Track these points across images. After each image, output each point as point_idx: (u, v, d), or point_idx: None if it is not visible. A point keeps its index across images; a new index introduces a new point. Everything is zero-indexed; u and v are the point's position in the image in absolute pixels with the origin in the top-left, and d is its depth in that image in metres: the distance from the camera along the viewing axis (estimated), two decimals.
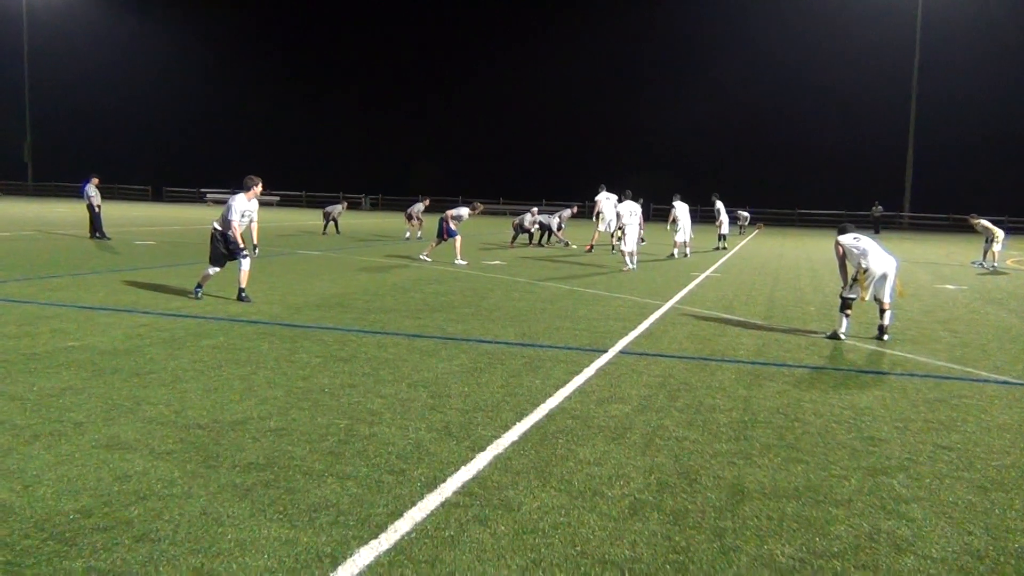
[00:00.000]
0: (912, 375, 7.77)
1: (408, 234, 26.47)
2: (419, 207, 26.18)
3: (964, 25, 55.88)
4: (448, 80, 76.98)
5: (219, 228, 11.23)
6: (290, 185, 61.96)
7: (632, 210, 18.65)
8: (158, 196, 68.11)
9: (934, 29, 54.88)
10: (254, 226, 11.61)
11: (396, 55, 78.59)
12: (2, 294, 11.10)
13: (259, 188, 11.36)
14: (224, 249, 11.21)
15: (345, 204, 29.66)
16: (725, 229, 27.50)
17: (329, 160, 72.83)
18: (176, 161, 72.92)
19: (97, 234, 22.25)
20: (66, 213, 36.64)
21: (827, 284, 16.12)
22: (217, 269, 11.34)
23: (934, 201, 53.20)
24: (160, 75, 75.20)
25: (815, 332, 9.99)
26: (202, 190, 66.24)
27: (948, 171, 55.71)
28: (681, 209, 22.91)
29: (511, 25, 76.71)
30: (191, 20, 76.52)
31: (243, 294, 11.08)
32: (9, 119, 72.79)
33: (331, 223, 27.62)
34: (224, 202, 12.12)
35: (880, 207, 47.44)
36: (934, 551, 3.85)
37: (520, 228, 24.84)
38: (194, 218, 38.39)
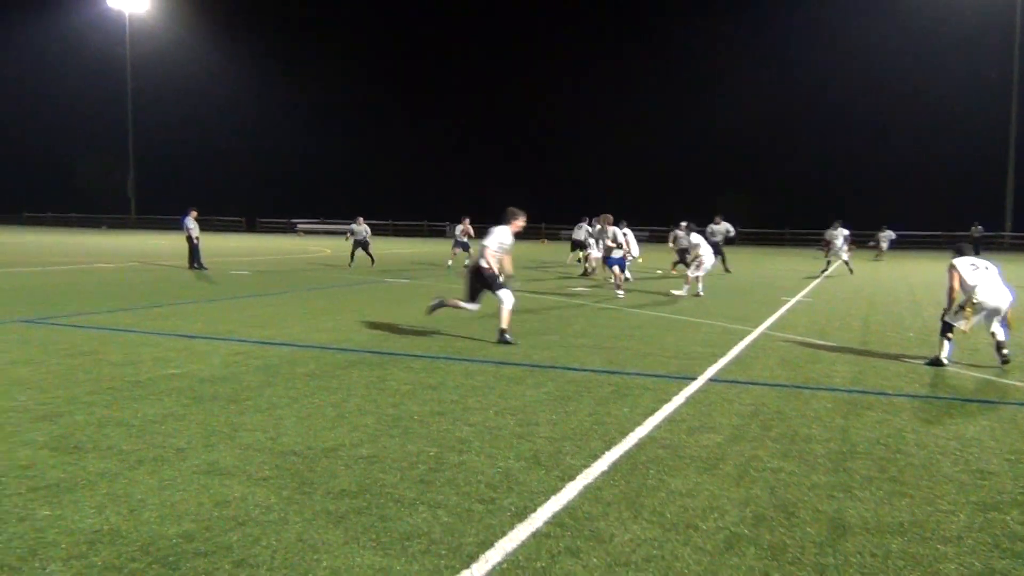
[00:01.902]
0: (1023, 404, 7.39)
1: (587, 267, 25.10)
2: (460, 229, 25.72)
3: None
4: (527, 101, 77.52)
5: (480, 264, 10.54)
6: (375, 214, 63.42)
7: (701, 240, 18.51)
8: (252, 227, 70.54)
9: None
10: (507, 258, 10.82)
11: (473, 83, 79.80)
12: (107, 323, 11.62)
13: (522, 221, 10.79)
14: (480, 283, 10.54)
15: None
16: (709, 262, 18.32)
17: (415, 189, 74.14)
18: (268, 193, 75.55)
19: (195, 264, 23.12)
20: (166, 245, 38.30)
21: (926, 308, 15.51)
22: (476, 306, 10.70)
23: None
24: (252, 112, 78.15)
25: (915, 358, 9.60)
26: (292, 220, 68.35)
27: None
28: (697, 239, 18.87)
29: (594, 41, 77.05)
30: (280, 58, 79.55)
31: (505, 335, 10.15)
32: (114, 156, 76.88)
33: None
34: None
35: (980, 227, 45.57)
36: None
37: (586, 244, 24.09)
38: (286, 248, 39.59)
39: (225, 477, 4.97)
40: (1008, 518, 4.52)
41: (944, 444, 5.99)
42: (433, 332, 11.16)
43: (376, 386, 7.62)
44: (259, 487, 4.80)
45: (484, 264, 10.46)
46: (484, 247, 10.49)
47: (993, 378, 8.60)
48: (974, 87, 56.00)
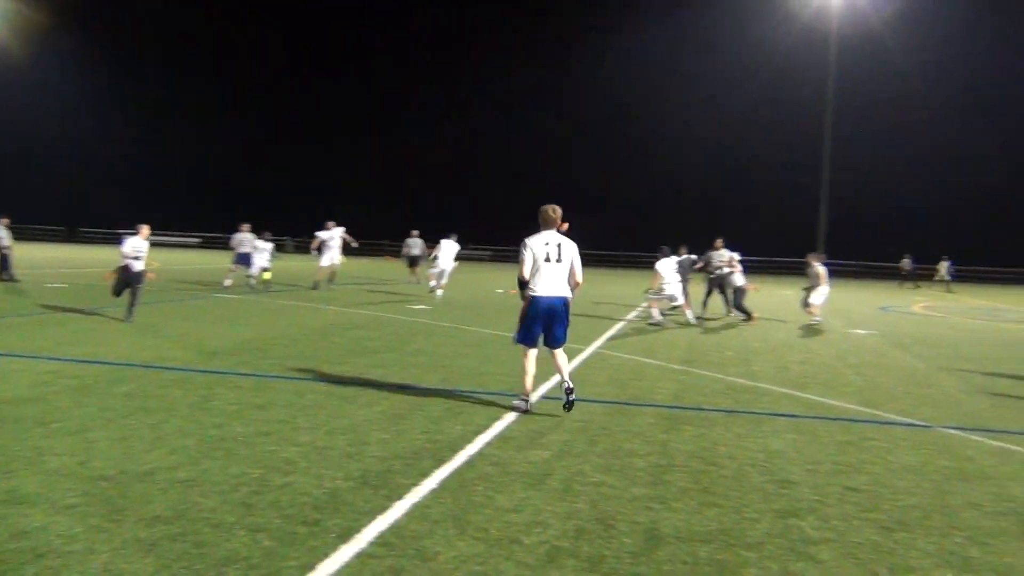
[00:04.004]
0: (823, 418, 8.00)
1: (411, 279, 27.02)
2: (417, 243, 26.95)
3: (874, 78, 58.76)
4: (372, 121, 77.26)
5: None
6: (210, 226, 60.92)
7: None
8: (72, 236, 65.99)
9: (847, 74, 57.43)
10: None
11: (316, 95, 78.67)
12: None
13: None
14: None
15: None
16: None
17: (247, 199, 71.92)
18: (90, 201, 70.93)
19: (5, 276, 21.40)
20: None
21: (745, 330, 16.54)
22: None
23: (846, 248, 55.31)
24: (70, 114, 73.37)
25: (733, 376, 10.21)
26: (120, 232, 64.55)
27: (861, 218, 58.13)
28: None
29: (440, 61, 77.69)
30: (102, 58, 75.19)
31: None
32: None
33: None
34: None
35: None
36: None
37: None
38: (110, 260, 37.28)
39: (25, 506, 4.62)
40: (805, 524, 4.89)
41: (753, 456, 6.40)
42: (263, 350, 10.83)
43: (199, 406, 7.30)
44: (63, 515, 4.49)
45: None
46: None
47: (799, 394, 9.26)
48: (792, 119, 60.57)
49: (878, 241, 55.83)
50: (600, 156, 70.04)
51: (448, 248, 22.03)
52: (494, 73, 73.59)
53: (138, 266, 13.54)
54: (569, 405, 7.51)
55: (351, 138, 77.24)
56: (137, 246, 13.71)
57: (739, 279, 18.40)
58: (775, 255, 51.49)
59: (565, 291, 7.69)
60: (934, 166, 60.19)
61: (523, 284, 7.71)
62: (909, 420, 8.04)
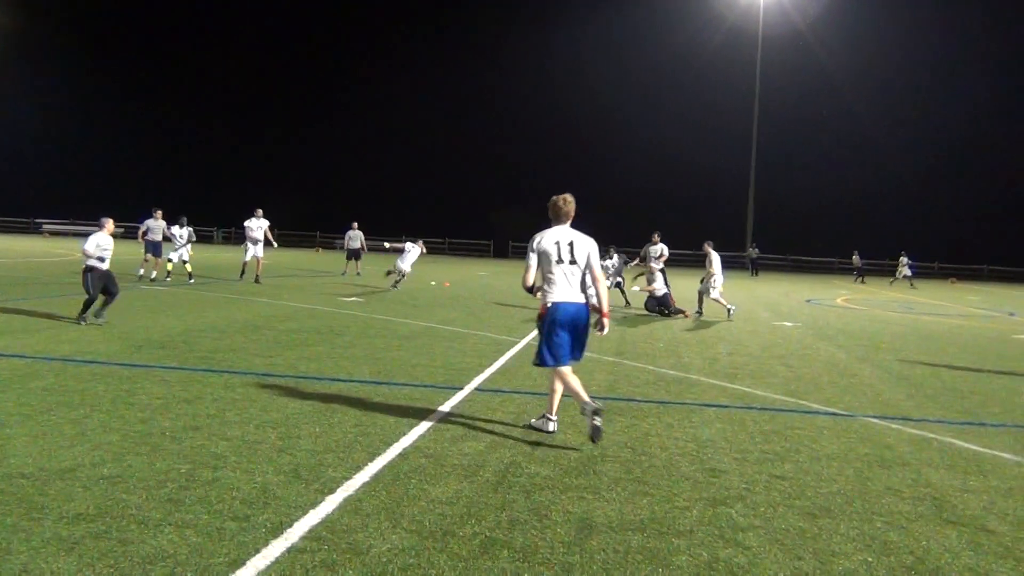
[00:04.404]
0: (751, 408, 8.19)
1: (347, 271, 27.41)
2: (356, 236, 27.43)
3: (798, 83, 60.24)
4: (307, 111, 76.11)
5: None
6: (132, 216, 59.17)
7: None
8: None
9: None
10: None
11: (244, 81, 77.13)
12: None
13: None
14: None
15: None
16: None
17: (175, 189, 70.21)
18: (8, 188, 68.20)
19: None
20: None
21: (675, 322, 16.82)
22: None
23: (774, 243, 56.73)
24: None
25: (663, 368, 10.37)
26: (37, 220, 62.18)
27: (787, 215, 59.63)
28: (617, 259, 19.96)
29: (371, 54, 76.90)
30: (25, 43, 72.36)
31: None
32: None
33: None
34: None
35: (756, 249, 50.03)
36: None
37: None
38: (28, 250, 35.93)
39: None
40: (733, 511, 5.00)
41: (683, 446, 6.51)
42: (191, 343, 10.58)
43: (124, 400, 7.10)
44: None
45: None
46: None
47: (728, 385, 9.46)
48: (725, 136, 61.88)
49: (804, 236, 57.45)
50: (535, 149, 70.26)
51: (413, 252, 22.49)
52: (428, 65, 73.30)
53: (105, 267, 12.17)
54: (596, 432, 6.14)
55: (286, 128, 76.00)
56: (102, 243, 12.21)
57: (659, 284, 18.56)
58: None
59: (583, 296, 6.53)
60: (856, 162, 62.20)
61: (532, 291, 6.64)
62: (832, 409, 8.29)
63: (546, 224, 6.61)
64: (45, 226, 60.78)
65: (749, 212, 59.77)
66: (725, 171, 61.37)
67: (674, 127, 62.35)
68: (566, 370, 6.50)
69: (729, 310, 17.80)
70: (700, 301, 18.29)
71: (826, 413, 8.12)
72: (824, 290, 34.53)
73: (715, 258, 18.11)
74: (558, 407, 6.78)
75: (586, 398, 6.26)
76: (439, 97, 72.86)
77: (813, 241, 57.39)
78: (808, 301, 26.10)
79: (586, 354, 6.84)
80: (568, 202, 6.62)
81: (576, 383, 6.45)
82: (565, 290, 6.43)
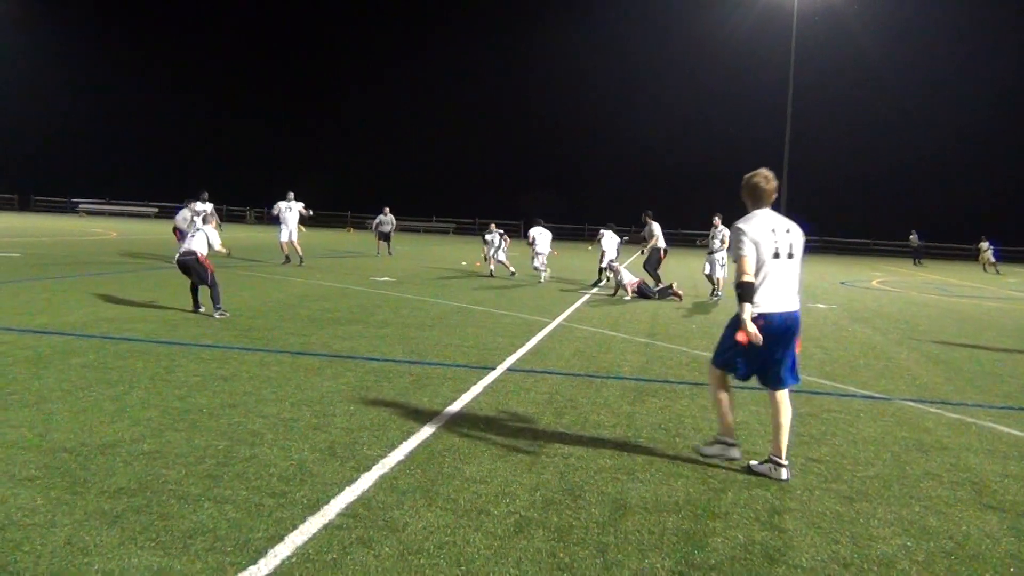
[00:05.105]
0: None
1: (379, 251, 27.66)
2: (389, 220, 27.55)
3: (835, 61, 59.26)
4: (337, 93, 76.31)
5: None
6: (170, 196, 59.90)
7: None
8: (26, 205, 64.48)
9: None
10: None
11: (279, 65, 77.46)
12: None
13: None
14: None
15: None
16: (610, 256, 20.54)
17: (213, 170, 70.90)
18: (46, 168, 69.25)
19: None
20: None
21: (709, 303, 16.70)
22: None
23: (808, 223, 56.00)
24: (29, 82, 71.37)
25: (697, 350, 10.31)
26: (74, 200, 63.12)
27: (820, 195, 58.90)
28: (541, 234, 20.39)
29: (403, 38, 76.84)
30: (63, 24, 73.20)
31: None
32: None
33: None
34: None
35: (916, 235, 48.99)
36: (804, 560, 4.01)
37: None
38: (66, 229, 36.52)
39: None
40: (768, 494, 4.96)
41: (717, 427, 6.45)
42: (227, 321, 10.69)
43: (162, 377, 7.20)
44: (23, 488, 4.41)
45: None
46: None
47: None
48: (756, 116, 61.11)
49: (840, 216, 56.67)
50: (566, 131, 69.90)
51: (543, 236, 20.67)
52: (461, 45, 73.03)
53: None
54: (711, 457, 5.49)
55: (320, 109, 76.29)
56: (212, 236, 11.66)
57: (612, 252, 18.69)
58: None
59: (798, 301, 5.30)
60: (894, 140, 61.09)
61: (745, 291, 5.07)
62: (869, 393, 8.19)
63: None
64: (81, 206, 61.69)
65: (783, 191, 59.08)
66: (758, 150, 60.67)
67: (709, 104, 61.80)
68: (730, 391, 5.58)
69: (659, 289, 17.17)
70: (715, 284, 17.79)
71: (863, 396, 8.03)
72: (859, 271, 34.08)
73: (655, 228, 18.33)
74: (787, 448, 5.32)
75: (783, 444, 5.27)
76: (473, 77, 72.70)
77: (847, 222, 56.68)
78: (842, 283, 25.78)
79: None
80: (771, 179, 5.34)
81: (787, 417, 5.37)
82: (779, 294, 5.17)
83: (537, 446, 5.71)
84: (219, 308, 11.02)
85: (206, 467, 4.89)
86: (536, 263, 20.26)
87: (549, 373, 8.34)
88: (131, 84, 74.74)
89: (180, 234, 20.59)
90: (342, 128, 75.50)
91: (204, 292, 11.33)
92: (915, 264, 42.27)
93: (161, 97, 74.65)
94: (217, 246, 11.67)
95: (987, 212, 56.50)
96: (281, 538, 3.93)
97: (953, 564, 4.08)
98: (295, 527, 4.06)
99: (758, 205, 5.35)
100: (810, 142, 59.26)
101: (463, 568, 3.72)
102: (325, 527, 4.09)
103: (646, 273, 18.47)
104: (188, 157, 71.92)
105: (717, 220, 17.76)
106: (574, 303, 15.27)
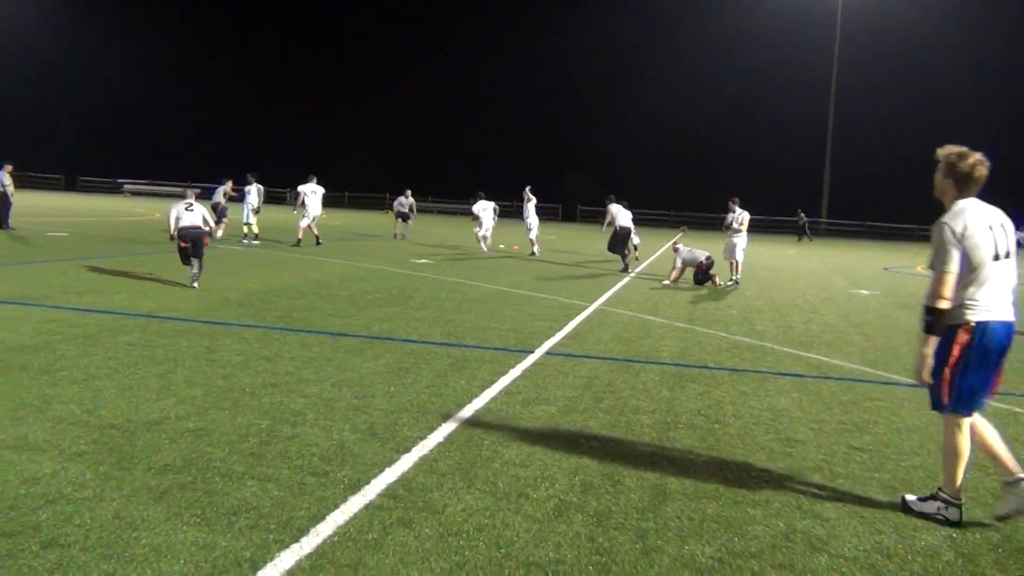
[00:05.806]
0: (828, 378, 8.01)
1: (397, 232, 27.74)
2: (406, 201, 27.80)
3: (879, 41, 58.01)
4: (376, 78, 76.53)
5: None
6: (211, 178, 60.53)
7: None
8: (72, 185, 65.68)
9: (852, 44, 56.78)
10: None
11: (319, 50, 77.79)
12: None
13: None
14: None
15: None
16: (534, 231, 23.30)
17: (254, 152, 71.58)
18: (91, 149, 70.39)
19: (3, 225, 21.30)
20: None
21: (748, 289, 16.52)
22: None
23: (851, 208, 55.10)
24: (77, 62, 72.52)
25: (736, 335, 10.22)
26: (119, 180, 64.15)
27: (863, 180, 57.86)
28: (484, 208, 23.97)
29: (439, 25, 76.78)
30: (112, 5, 74.19)
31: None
32: None
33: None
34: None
35: (803, 214, 48.76)
36: (846, 550, 3.97)
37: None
38: (110, 209, 37.16)
39: (34, 452, 4.63)
40: (810, 483, 4.91)
41: (758, 415, 6.41)
42: (268, 302, 10.82)
43: (205, 357, 7.31)
44: (73, 463, 4.51)
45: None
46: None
47: (803, 353, 9.27)
48: (798, 92, 60.03)
49: (884, 201, 55.59)
50: (604, 111, 69.34)
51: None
52: (497, 26, 72.74)
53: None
54: (1010, 513, 4.33)
55: (363, 90, 76.52)
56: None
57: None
58: (777, 214, 51.19)
59: (1014, 312, 4.35)
60: (940, 123, 59.65)
61: (937, 321, 4.23)
62: (912, 381, 8.03)
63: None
64: (126, 186, 62.68)
65: (826, 176, 58.22)
66: (800, 137, 59.74)
67: (753, 85, 60.97)
68: (982, 421, 4.51)
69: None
70: (732, 268, 17.46)
71: (906, 385, 7.89)
72: (903, 257, 33.47)
73: (612, 209, 19.19)
74: (962, 481, 4.42)
75: (1012, 464, 4.36)
76: (509, 59, 72.29)
77: (890, 207, 55.58)
78: (886, 269, 25.36)
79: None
80: (985, 164, 4.41)
81: (995, 435, 4.48)
82: (1000, 301, 4.27)
83: (576, 430, 5.70)
84: (199, 278, 12.03)
85: (249, 445, 4.96)
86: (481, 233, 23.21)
87: (587, 357, 8.32)
88: (177, 67, 75.65)
89: (218, 210, 21.63)
90: (385, 109, 75.61)
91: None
92: None
93: (207, 79, 75.39)
94: (212, 223, 12.87)
95: None
96: (323, 517, 3.97)
97: (1000, 557, 4.01)
98: (336, 506, 4.11)
99: (966, 192, 4.40)
100: (853, 123, 58.20)
101: (502, 551, 3.73)
102: (366, 507, 4.13)
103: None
104: (231, 140, 72.60)
105: (734, 203, 17.58)
106: (612, 287, 15.21)
